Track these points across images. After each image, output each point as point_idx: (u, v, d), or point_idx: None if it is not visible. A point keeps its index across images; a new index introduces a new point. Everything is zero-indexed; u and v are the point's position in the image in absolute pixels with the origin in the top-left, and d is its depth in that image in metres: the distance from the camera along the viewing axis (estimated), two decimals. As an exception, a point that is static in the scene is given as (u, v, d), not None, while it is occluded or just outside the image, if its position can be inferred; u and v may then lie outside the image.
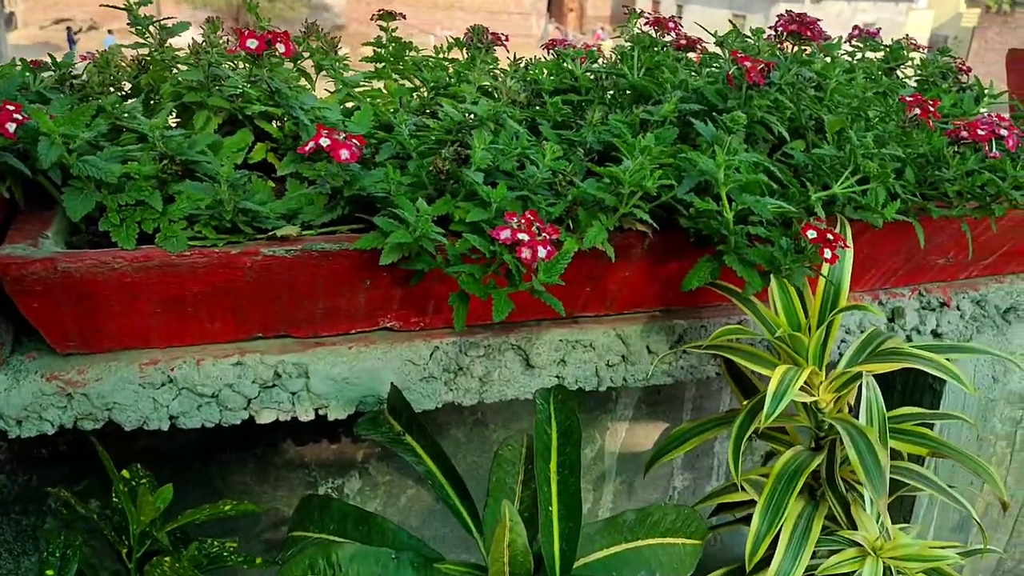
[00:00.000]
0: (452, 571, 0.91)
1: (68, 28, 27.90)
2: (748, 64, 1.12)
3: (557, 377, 1.30)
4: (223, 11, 31.43)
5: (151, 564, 1.00)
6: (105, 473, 1.38)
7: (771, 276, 1.08)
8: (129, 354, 1.15)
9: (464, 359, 1.26)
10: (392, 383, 1.17)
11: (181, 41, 1.33)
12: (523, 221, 0.95)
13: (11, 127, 0.99)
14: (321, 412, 1.22)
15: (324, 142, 0.98)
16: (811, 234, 0.98)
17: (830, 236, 0.99)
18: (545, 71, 1.38)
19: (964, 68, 1.64)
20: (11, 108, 1.00)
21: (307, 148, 1.00)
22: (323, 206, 1.15)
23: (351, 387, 1.22)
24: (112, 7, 1.26)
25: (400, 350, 1.23)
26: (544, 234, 0.94)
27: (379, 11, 1.46)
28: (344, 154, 0.99)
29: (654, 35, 1.45)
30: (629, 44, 1.48)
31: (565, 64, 1.34)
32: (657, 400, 1.64)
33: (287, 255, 1.06)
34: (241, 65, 1.27)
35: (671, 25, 1.44)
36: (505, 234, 0.94)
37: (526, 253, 0.93)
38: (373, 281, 1.14)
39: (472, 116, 1.09)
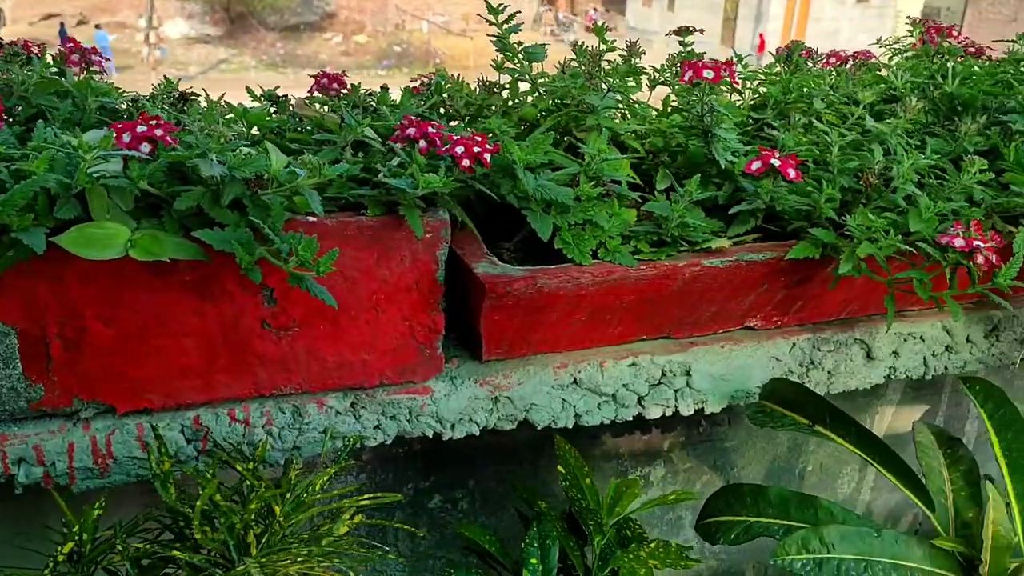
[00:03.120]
0: (942, 545, 1.01)
1: (61, 24, 27.75)
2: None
3: (891, 368, 1.41)
4: (214, 1, 31.30)
5: (627, 551, 1.10)
6: (450, 469, 1.49)
7: None
8: (539, 359, 1.25)
9: (817, 354, 1.36)
10: (778, 378, 1.27)
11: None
12: (973, 229, 1.05)
13: (488, 157, 1.08)
14: (699, 407, 1.32)
15: (775, 162, 1.08)
16: None
17: None
18: (857, 82, 1.47)
19: None
20: (479, 139, 1.09)
21: (754, 167, 1.10)
22: (702, 218, 1.24)
23: (726, 383, 1.32)
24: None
25: (766, 348, 1.33)
26: (993, 241, 1.04)
27: (680, 27, 1.54)
28: (791, 172, 1.08)
29: (933, 44, 1.54)
30: (889, 50, 1.59)
31: (883, 74, 1.44)
32: (921, 385, 1.74)
33: (720, 265, 1.15)
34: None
35: (954, 33, 1.53)
36: (959, 242, 1.04)
37: (981, 259, 1.03)
38: (769, 286, 1.24)
39: (868, 133, 1.19)
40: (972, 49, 1.51)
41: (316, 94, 1.34)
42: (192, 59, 27.81)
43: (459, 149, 1.06)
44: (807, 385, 1.37)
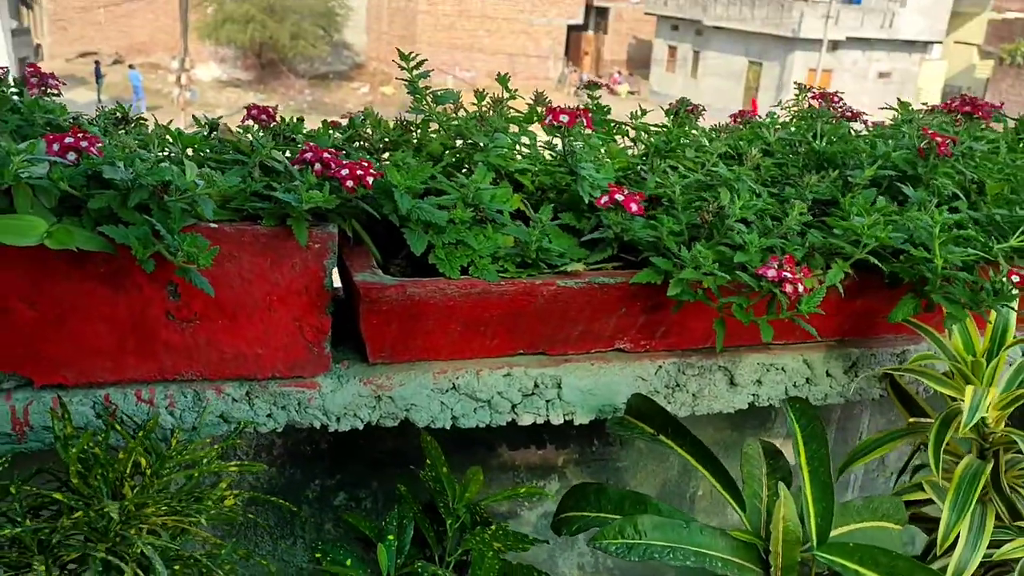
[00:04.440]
0: (737, 536, 1.14)
1: (96, 62, 28.54)
2: (939, 139, 1.37)
3: (754, 395, 1.55)
4: (247, 48, 32.20)
5: (473, 533, 1.23)
6: (355, 467, 1.63)
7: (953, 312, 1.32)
8: (421, 364, 1.40)
9: (682, 377, 1.50)
10: (636, 393, 1.41)
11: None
12: (784, 263, 1.20)
13: (370, 180, 1.24)
14: (568, 418, 1.47)
15: (619, 197, 1.24)
16: (1015, 278, 1.23)
17: (1030, 280, 1.24)
18: (738, 137, 1.64)
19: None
20: (366, 164, 1.26)
21: (602, 201, 1.26)
22: (576, 246, 1.40)
23: (594, 397, 1.46)
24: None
25: (633, 368, 1.47)
26: (801, 274, 1.19)
27: (588, 82, 1.72)
28: (633, 207, 1.24)
29: (818, 107, 1.71)
30: (786, 112, 1.76)
31: (759, 131, 1.61)
32: (808, 420, 1.87)
33: (575, 286, 1.31)
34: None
35: (836, 99, 1.70)
36: (771, 273, 1.19)
37: (790, 288, 1.18)
38: (627, 309, 1.39)
39: (713, 177, 1.35)
40: (850, 113, 1.68)
41: (249, 123, 1.52)
42: (221, 101, 28.45)
43: (344, 172, 1.23)
44: (673, 405, 1.51)
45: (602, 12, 36.15)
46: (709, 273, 1.20)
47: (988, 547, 1.38)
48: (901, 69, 27.54)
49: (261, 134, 1.38)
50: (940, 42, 28.01)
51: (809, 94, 1.72)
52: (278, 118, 1.53)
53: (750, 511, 1.22)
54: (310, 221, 1.26)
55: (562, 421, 1.46)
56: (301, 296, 1.28)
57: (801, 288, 1.18)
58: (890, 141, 1.49)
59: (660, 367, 1.49)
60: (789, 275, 1.18)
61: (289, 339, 1.31)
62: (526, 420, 1.44)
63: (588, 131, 1.51)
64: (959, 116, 1.51)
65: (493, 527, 1.24)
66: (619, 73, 34.25)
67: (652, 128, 1.63)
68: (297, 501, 1.62)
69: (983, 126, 1.59)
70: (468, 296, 1.28)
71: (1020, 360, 1.53)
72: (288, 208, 1.21)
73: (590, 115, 1.31)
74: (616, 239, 1.31)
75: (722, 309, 1.26)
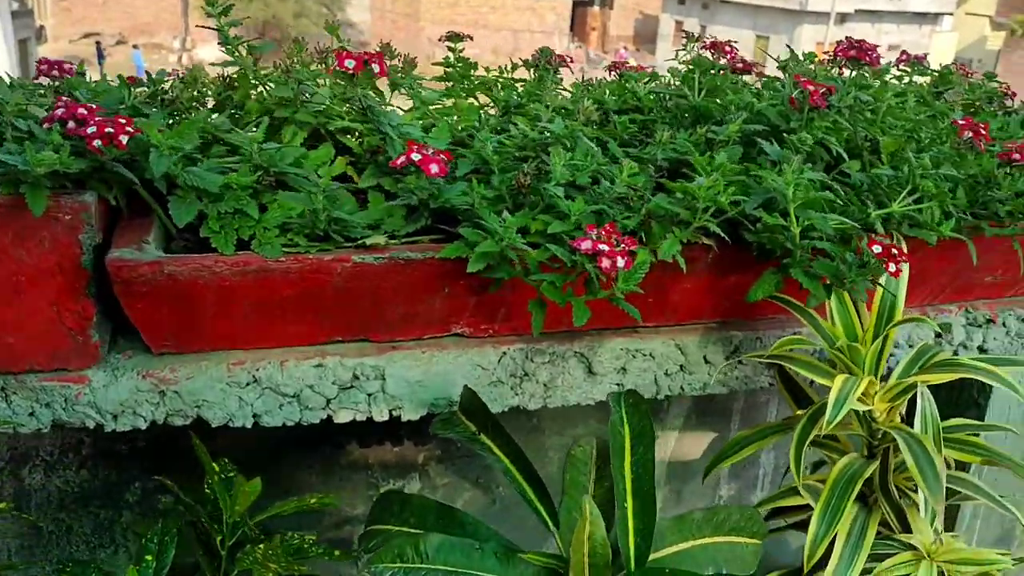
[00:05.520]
0: (533, 560, 0.96)
1: (98, 43, 28.41)
2: (811, 88, 1.18)
3: (618, 384, 1.36)
4: (250, 27, 31.97)
5: (244, 551, 1.06)
6: (179, 469, 1.45)
7: (832, 289, 1.13)
8: (218, 355, 1.21)
9: (530, 365, 1.31)
10: (466, 385, 1.23)
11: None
12: (603, 233, 1.01)
13: (124, 139, 1.06)
14: (395, 413, 1.28)
15: (416, 156, 1.05)
16: (876, 249, 1.04)
17: (895, 251, 1.04)
18: (608, 91, 1.44)
19: (1010, 93, 1.69)
20: (123, 121, 1.07)
21: (398, 162, 1.07)
22: (402, 217, 1.21)
23: (424, 389, 1.28)
24: (204, 26, 1.33)
25: (471, 355, 1.28)
26: (623, 245, 1.00)
27: (448, 33, 1.52)
28: (433, 168, 1.05)
29: (711, 58, 1.50)
30: (685, 66, 1.56)
31: (628, 85, 1.41)
32: (707, 410, 1.69)
33: (375, 262, 1.12)
34: (322, 83, 1.33)
35: (727, 49, 1.50)
36: (586, 245, 1.00)
37: (606, 263, 0.99)
38: (451, 289, 1.20)
39: (547, 134, 1.16)
40: (740, 65, 1.48)
41: (42, 79, 1.34)
42: (223, 81, 28.18)
43: (91, 130, 1.05)
44: (521, 396, 1.32)
45: (608, -13, 35.66)
46: (513, 246, 1.00)
47: (869, 559, 1.19)
48: (911, 42, 27.04)
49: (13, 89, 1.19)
50: (951, 13, 27.50)
51: (698, 44, 1.52)
52: (75, 72, 1.34)
53: (566, 527, 1.03)
54: (65, 188, 1.08)
55: (386, 417, 1.27)
56: (55, 276, 1.10)
57: (622, 263, 0.99)
58: (765, 92, 1.29)
59: (504, 354, 1.30)
60: (606, 247, 0.99)
61: (46, 326, 1.13)
62: (343, 417, 1.26)
63: (429, 88, 1.32)
64: (843, 63, 1.31)
65: (263, 545, 1.07)
66: (625, 48, 33.79)
67: (508, 83, 1.43)
68: (117, 506, 1.46)
69: (872, 73, 1.39)
70: (244, 275, 1.09)
71: (923, 343, 1.34)
72: (19, 173, 1.02)
73: (385, 60, 1.11)
74: (424, 205, 1.12)
75: (539, 287, 1.07)
